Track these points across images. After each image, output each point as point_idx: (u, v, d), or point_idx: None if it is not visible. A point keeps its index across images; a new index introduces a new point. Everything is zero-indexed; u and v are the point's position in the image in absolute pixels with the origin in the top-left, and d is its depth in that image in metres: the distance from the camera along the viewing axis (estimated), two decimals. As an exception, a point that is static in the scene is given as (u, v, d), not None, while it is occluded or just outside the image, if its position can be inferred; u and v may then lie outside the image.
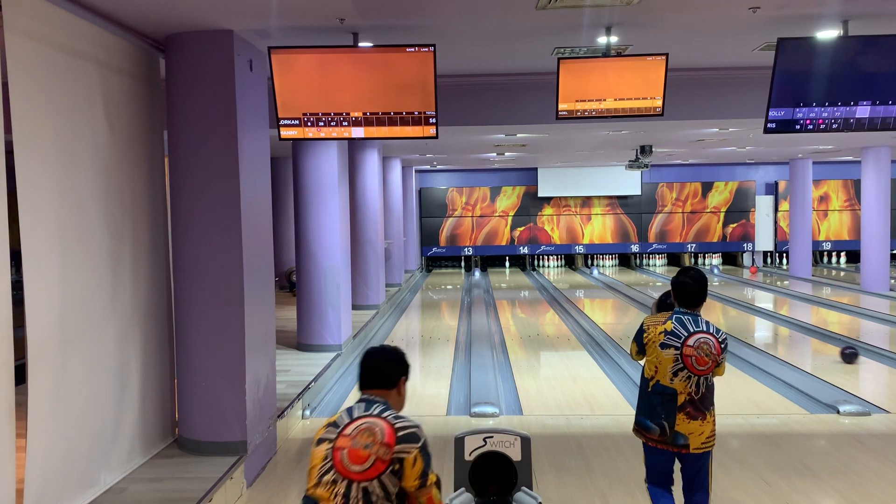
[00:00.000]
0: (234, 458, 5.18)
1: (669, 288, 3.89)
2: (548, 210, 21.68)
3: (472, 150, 15.11)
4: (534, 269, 21.81)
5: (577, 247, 21.77)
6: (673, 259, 22.42)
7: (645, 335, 3.87)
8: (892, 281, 15.91)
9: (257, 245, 5.61)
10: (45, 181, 4.12)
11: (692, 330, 3.74)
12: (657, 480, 4.00)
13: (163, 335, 5.49)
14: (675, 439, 3.76)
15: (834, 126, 5.78)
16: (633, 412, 4.07)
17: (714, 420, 3.83)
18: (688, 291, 3.79)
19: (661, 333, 3.79)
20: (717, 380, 3.86)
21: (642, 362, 3.98)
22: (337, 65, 5.61)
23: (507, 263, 22.39)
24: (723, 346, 3.76)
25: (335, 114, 5.74)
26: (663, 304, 4.11)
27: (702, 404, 3.76)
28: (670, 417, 3.75)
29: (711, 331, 3.77)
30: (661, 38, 6.14)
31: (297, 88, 5.68)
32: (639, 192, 21.40)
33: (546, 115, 6.68)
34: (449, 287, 18.41)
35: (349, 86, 5.65)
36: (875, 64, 5.61)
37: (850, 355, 8.95)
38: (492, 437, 3.18)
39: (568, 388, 7.85)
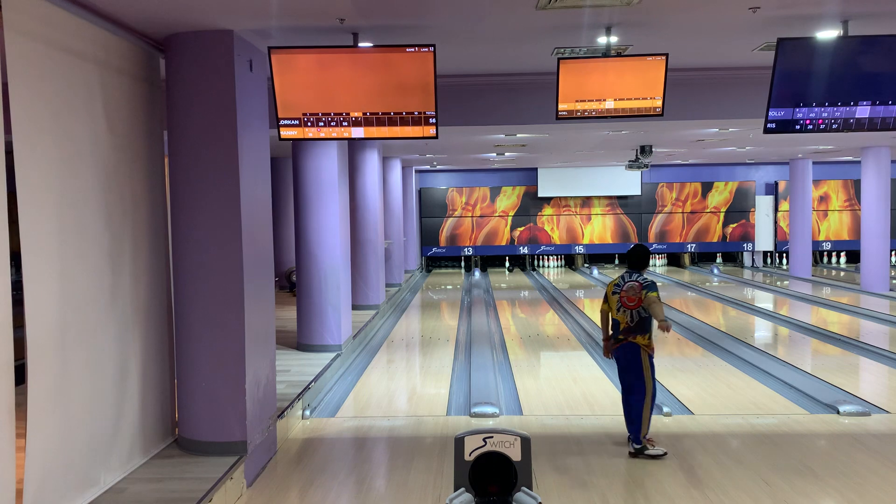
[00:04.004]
0: (234, 458, 5.18)
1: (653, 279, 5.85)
2: (548, 210, 21.68)
3: (472, 150, 15.11)
4: (534, 270, 21.80)
5: (577, 247, 21.78)
6: (673, 259, 22.41)
7: (606, 290, 5.90)
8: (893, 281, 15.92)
9: (257, 245, 5.61)
10: (44, 181, 4.12)
11: (627, 280, 5.70)
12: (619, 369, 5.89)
13: (163, 335, 5.49)
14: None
15: (834, 126, 5.78)
16: None
17: (649, 341, 5.65)
18: (631, 258, 5.84)
19: (611, 287, 5.82)
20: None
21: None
22: (337, 65, 5.61)
23: (507, 263, 22.39)
24: (643, 283, 5.60)
25: (335, 114, 5.74)
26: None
27: (636, 331, 5.61)
28: (618, 333, 5.73)
29: (637, 279, 5.67)
30: (661, 38, 6.14)
31: (297, 88, 5.68)
32: (639, 192, 21.39)
33: (546, 115, 6.69)
34: (449, 287, 18.41)
35: (349, 86, 5.65)
36: (875, 64, 5.61)
37: None
38: (492, 437, 3.18)
39: (568, 388, 7.85)
